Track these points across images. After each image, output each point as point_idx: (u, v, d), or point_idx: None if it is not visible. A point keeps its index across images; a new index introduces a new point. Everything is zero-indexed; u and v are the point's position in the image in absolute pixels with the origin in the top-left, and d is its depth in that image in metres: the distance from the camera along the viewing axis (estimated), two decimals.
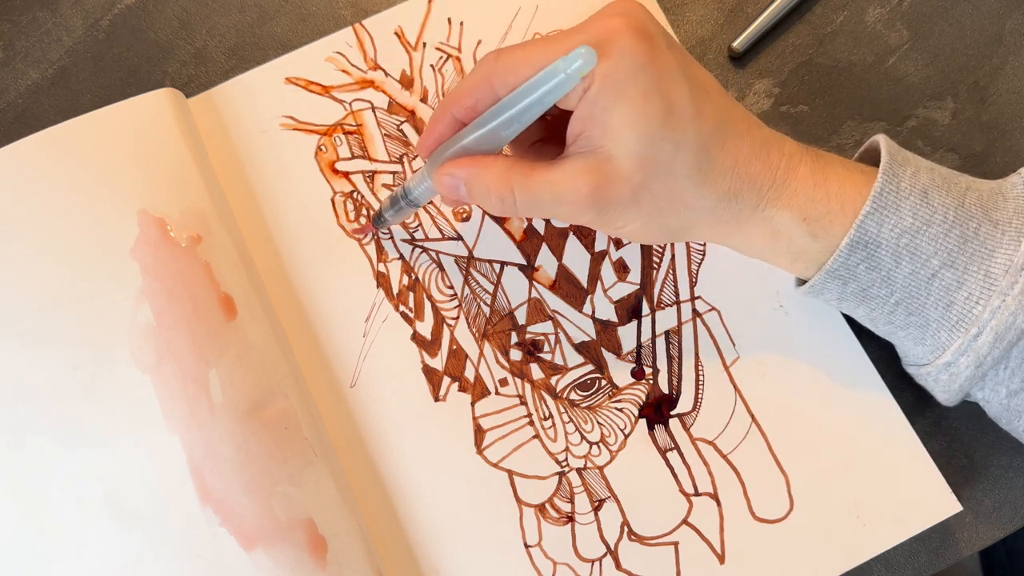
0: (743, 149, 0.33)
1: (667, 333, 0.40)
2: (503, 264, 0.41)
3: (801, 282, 0.37)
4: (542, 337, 0.40)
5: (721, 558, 0.37)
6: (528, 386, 0.39)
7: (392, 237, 0.41)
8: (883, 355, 0.38)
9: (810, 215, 0.33)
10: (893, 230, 0.32)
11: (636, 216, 0.33)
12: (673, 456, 0.38)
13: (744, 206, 0.33)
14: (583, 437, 0.39)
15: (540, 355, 0.40)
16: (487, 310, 0.40)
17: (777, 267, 0.36)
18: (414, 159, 0.42)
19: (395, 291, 0.41)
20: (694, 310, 0.40)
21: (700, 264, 0.40)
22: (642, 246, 0.41)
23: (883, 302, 0.33)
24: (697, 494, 0.38)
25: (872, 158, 0.35)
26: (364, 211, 0.42)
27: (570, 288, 0.40)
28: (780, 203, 0.33)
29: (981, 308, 0.32)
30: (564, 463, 0.38)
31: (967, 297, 0.32)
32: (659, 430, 0.38)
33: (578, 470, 0.38)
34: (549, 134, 0.37)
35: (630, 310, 0.40)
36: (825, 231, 0.33)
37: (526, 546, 0.37)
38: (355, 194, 0.42)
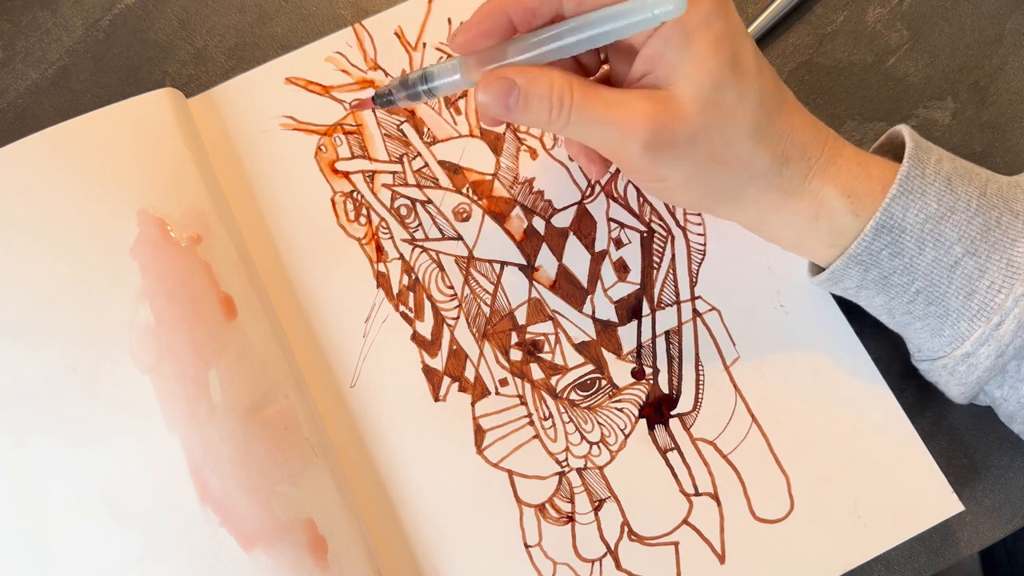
0: (796, 118, 0.33)
1: (667, 333, 0.40)
2: (503, 264, 0.41)
3: (815, 273, 0.36)
4: (542, 337, 0.40)
5: (721, 558, 0.37)
6: (528, 386, 0.39)
7: (392, 237, 0.41)
8: (884, 354, 0.38)
9: (855, 192, 0.32)
10: (918, 215, 0.32)
11: (689, 165, 0.32)
12: (673, 456, 0.38)
13: (794, 174, 0.33)
14: (583, 437, 0.39)
15: (540, 355, 0.40)
16: (487, 310, 0.40)
17: (810, 256, 0.35)
18: (414, 158, 0.42)
19: (395, 291, 0.41)
20: (694, 310, 0.40)
21: (700, 264, 0.40)
22: (643, 245, 0.41)
23: (903, 290, 0.33)
24: (697, 494, 0.38)
25: (889, 152, 0.35)
26: (364, 210, 0.42)
27: (570, 288, 0.40)
28: (827, 177, 0.33)
29: (1004, 296, 0.32)
30: (564, 463, 0.38)
31: (989, 285, 0.32)
32: (659, 430, 0.38)
33: (578, 470, 0.38)
34: (598, 71, 0.36)
35: (630, 310, 0.40)
36: (867, 210, 0.32)
37: (526, 546, 0.37)
38: (355, 194, 0.42)
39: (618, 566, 0.37)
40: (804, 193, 0.33)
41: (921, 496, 0.37)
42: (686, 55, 0.31)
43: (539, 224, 0.41)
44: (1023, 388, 0.33)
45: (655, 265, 0.40)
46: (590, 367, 0.39)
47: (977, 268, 0.32)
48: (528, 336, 0.40)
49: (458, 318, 0.40)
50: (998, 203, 0.32)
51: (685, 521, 0.37)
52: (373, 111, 0.39)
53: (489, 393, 0.39)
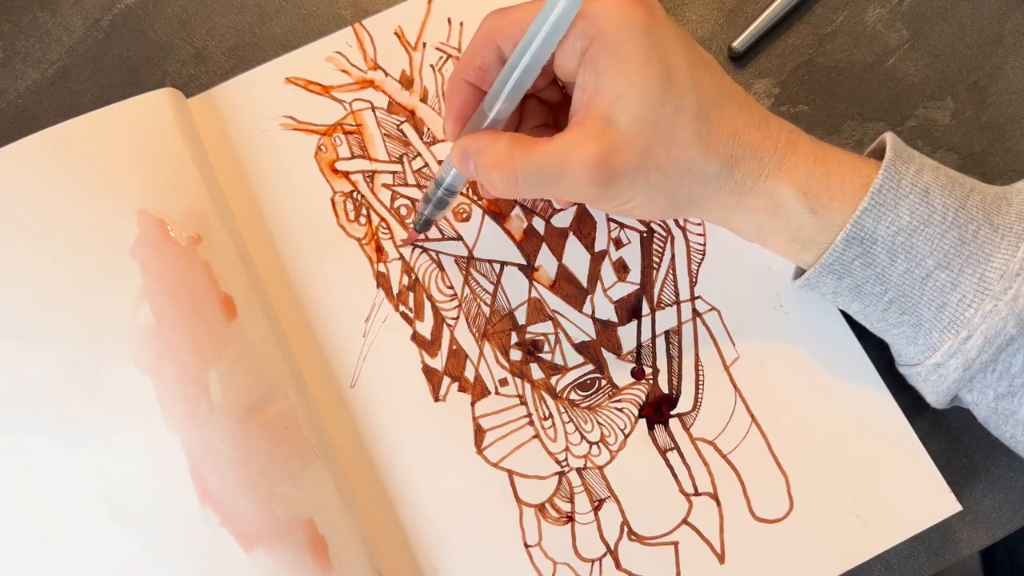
0: (742, 118, 0.33)
1: (667, 333, 0.40)
2: (503, 264, 0.41)
3: (798, 275, 0.37)
4: (542, 337, 0.40)
5: (721, 558, 0.37)
6: (528, 386, 0.39)
7: (392, 237, 0.41)
8: (883, 355, 0.38)
9: (810, 190, 0.32)
10: (889, 228, 0.32)
11: (643, 187, 0.32)
12: (673, 456, 0.38)
13: (747, 175, 0.33)
14: (583, 437, 0.39)
15: (540, 355, 0.40)
16: (487, 310, 0.40)
17: (774, 250, 0.36)
18: (414, 158, 0.42)
19: (395, 291, 0.41)
20: (694, 310, 0.40)
21: (700, 264, 0.40)
22: (642, 245, 0.41)
23: (877, 299, 0.34)
24: (697, 494, 0.38)
25: (879, 158, 0.35)
26: (364, 210, 0.42)
27: (570, 288, 0.40)
28: (781, 175, 0.33)
29: (973, 311, 0.32)
30: (564, 463, 0.38)
31: (960, 299, 0.32)
32: (659, 430, 0.38)
33: (578, 470, 0.38)
34: (553, 119, 0.38)
35: (630, 310, 0.40)
36: (824, 208, 0.32)
37: (526, 546, 0.37)
38: (355, 194, 0.42)
39: (618, 566, 0.37)
40: (758, 192, 0.33)
41: (919, 496, 0.37)
42: (615, 78, 0.31)
43: (539, 224, 0.41)
44: (991, 393, 0.33)
45: (655, 265, 0.40)
46: (590, 367, 0.39)
47: (949, 281, 0.32)
48: (528, 336, 0.40)
49: (458, 318, 0.40)
50: (977, 216, 0.32)
51: (685, 521, 0.37)
52: (421, 235, 0.41)
53: (489, 393, 0.39)
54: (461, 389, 0.39)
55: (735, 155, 0.33)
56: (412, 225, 0.40)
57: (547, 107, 0.38)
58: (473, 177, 0.35)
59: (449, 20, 0.44)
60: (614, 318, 0.40)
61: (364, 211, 0.42)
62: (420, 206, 0.39)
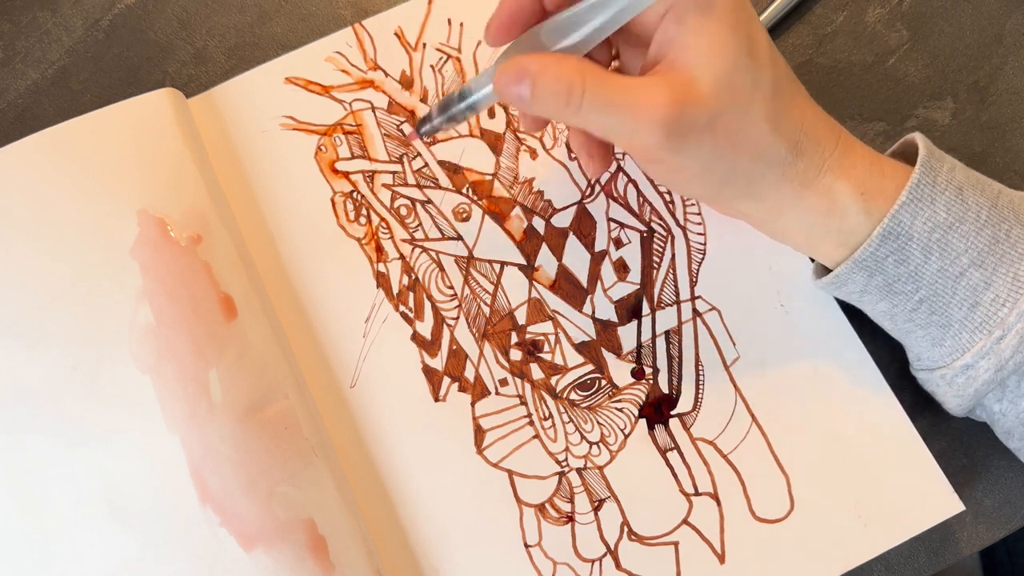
0: (809, 110, 0.33)
1: (667, 333, 0.40)
2: (503, 264, 0.41)
3: (820, 275, 0.36)
4: (542, 337, 0.40)
5: (721, 558, 0.37)
6: (528, 386, 0.39)
7: (392, 237, 0.41)
8: (885, 354, 0.38)
9: (867, 189, 0.32)
10: (926, 224, 0.32)
11: (708, 150, 0.31)
12: (673, 456, 0.38)
13: (808, 166, 0.32)
14: (583, 437, 0.39)
15: (540, 355, 0.40)
16: (487, 310, 0.40)
17: (816, 254, 0.35)
18: (414, 158, 0.42)
19: (395, 291, 0.41)
20: (694, 310, 0.40)
21: (700, 264, 0.40)
22: (642, 245, 0.41)
23: (907, 298, 0.33)
24: (697, 494, 0.37)
25: (904, 158, 0.35)
26: (364, 210, 0.42)
27: (570, 288, 0.40)
28: (840, 172, 0.32)
29: (1008, 310, 0.31)
30: (564, 463, 0.38)
31: (994, 299, 0.32)
32: (659, 430, 0.38)
33: (578, 470, 0.38)
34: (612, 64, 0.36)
35: (630, 310, 0.40)
36: (879, 209, 0.32)
37: (526, 546, 0.37)
38: (355, 194, 0.42)
39: (618, 566, 0.37)
40: (818, 187, 0.32)
41: (921, 496, 0.37)
42: (702, 37, 0.30)
43: (539, 224, 0.41)
44: (1022, 404, 0.33)
45: (655, 265, 0.40)
46: (590, 367, 0.39)
47: (983, 280, 0.32)
48: (528, 336, 0.40)
49: (458, 318, 0.40)
50: (1009, 216, 0.32)
51: (685, 521, 0.37)
52: (420, 138, 0.38)
53: (489, 393, 0.39)
54: (461, 389, 0.39)
55: (801, 143, 0.32)
56: (416, 129, 0.36)
57: (609, 53, 0.36)
58: (518, 102, 0.31)
59: (449, 21, 0.44)
60: (614, 318, 0.40)
61: (364, 211, 0.42)
62: (432, 111, 0.35)
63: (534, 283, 0.40)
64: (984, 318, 0.32)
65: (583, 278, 0.40)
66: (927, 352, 0.34)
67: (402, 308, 0.40)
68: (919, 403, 0.38)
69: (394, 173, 0.42)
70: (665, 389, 0.39)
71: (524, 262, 0.41)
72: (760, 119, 0.31)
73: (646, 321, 0.40)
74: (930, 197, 0.32)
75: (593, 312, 0.40)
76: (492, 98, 0.33)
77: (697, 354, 0.39)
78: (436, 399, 0.39)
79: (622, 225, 0.41)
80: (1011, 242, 0.32)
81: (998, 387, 0.33)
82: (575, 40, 0.31)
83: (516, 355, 0.40)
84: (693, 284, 0.40)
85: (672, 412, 0.39)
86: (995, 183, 0.34)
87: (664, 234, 0.41)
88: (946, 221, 0.32)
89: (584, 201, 0.41)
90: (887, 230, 0.32)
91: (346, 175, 0.42)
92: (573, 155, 0.42)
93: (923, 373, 0.35)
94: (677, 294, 0.40)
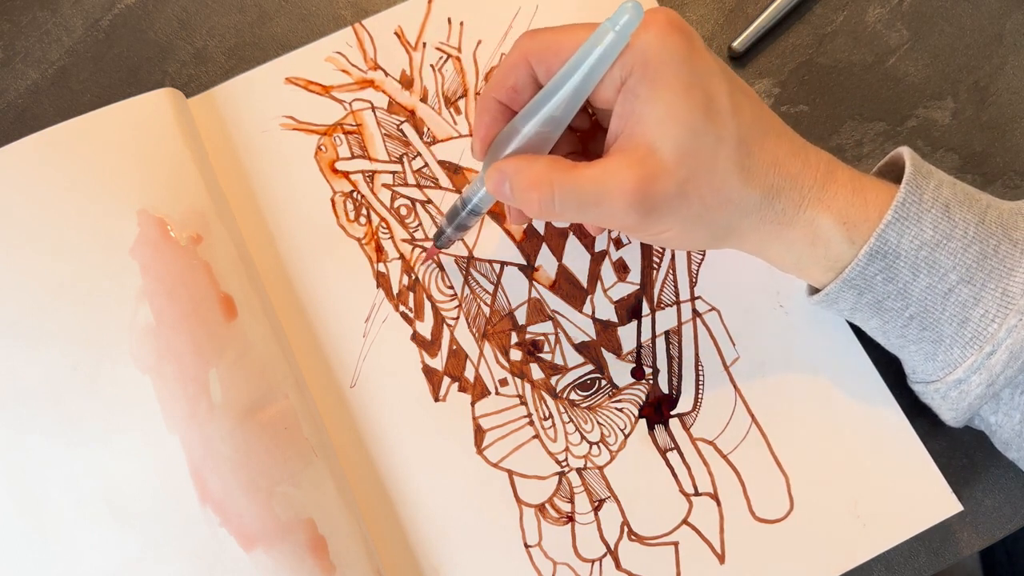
0: (782, 148, 0.33)
1: (667, 333, 0.40)
2: (503, 264, 0.41)
3: (813, 292, 0.36)
4: (542, 337, 0.40)
5: (721, 558, 0.37)
6: (528, 386, 0.39)
7: (392, 237, 0.41)
8: (884, 355, 0.38)
9: (850, 219, 0.32)
10: (913, 242, 0.32)
11: (682, 216, 0.32)
12: (673, 456, 0.38)
13: (787, 205, 0.32)
14: (583, 437, 0.39)
15: (540, 355, 0.40)
16: (487, 310, 0.40)
17: (807, 278, 0.35)
18: (414, 158, 0.42)
19: (395, 291, 0.41)
20: (694, 310, 0.40)
21: (700, 264, 0.40)
22: (642, 246, 0.41)
23: (897, 315, 0.33)
24: (697, 494, 0.38)
25: (891, 173, 0.35)
26: (364, 210, 0.42)
27: (570, 288, 0.40)
28: (821, 205, 0.32)
29: (997, 326, 0.32)
30: (564, 463, 0.38)
31: (983, 314, 0.32)
32: (659, 430, 0.38)
33: (578, 470, 0.38)
34: (582, 147, 0.37)
35: (630, 310, 0.40)
36: (863, 236, 0.32)
37: (526, 546, 0.37)
38: (355, 194, 0.42)
39: (618, 566, 0.37)
40: (799, 223, 0.33)
41: (920, 496, 0.37)
42: (656, 107, 0.31)
43: (539, 224, 0.41)
44: (1017, 416, 0.33)
45: (655, 265, 0.40)
46: (590, 367, 0.39)
47: (972, 296, 0.32)
48: (528, 336, 0.40)
49: (458, 318, 0.40)
50: (996, 231, 0.32)
51: (685, 521, 0.37)
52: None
53: (489, 393, 0.39)
54: (461, 389, 0.39)
55: (776, 185, 0.32)
56: (434, 243, 0.39)
57: (576, 135, 0.37)
58: (506, 199, 0.33)
59: (449, 20, 0.44)
60: (614, 318, 0.40)
61: (364, 211, 0.42)
62: (443, 223, 0.38)
63: (534, 283, 0.40)
64: (974, 334, 0.32)
65: (583, 278, 0.40)
66: (921, 366, 0.35)
67: (402, 308, 0.40)
68: (918, 404, 0.38)
69: (394, 173, 0.42)
70: (665, 389, 0.39)
71: (524, 262, 0.41)
72: (729, 174, 0.31)
73: (646, 321, 0.40)
74: (916, 216, 0.32)
75: (593, 312, 0.40)
76: (490, 199, 0.35)
77: (697, 354, 0.39)
78: (436, 399, 0.39)
79: None
80: (999, 258, 0.32)
81: (992, 399, 0.33)
82: (541, 123, 0.32)
83: (516, 355, 0.40)
84: (693, 284, 0.40)
85: (672, 412, 0.39)
86: (984, 196, 0.33)
87: None
88: (933, 239, 0.32)
89: None
90: (874, 249, 0.32)
91: (346, 175, 0.42)
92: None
93: (918, 386, 0.36)
94: (677, 294, 0.40)
